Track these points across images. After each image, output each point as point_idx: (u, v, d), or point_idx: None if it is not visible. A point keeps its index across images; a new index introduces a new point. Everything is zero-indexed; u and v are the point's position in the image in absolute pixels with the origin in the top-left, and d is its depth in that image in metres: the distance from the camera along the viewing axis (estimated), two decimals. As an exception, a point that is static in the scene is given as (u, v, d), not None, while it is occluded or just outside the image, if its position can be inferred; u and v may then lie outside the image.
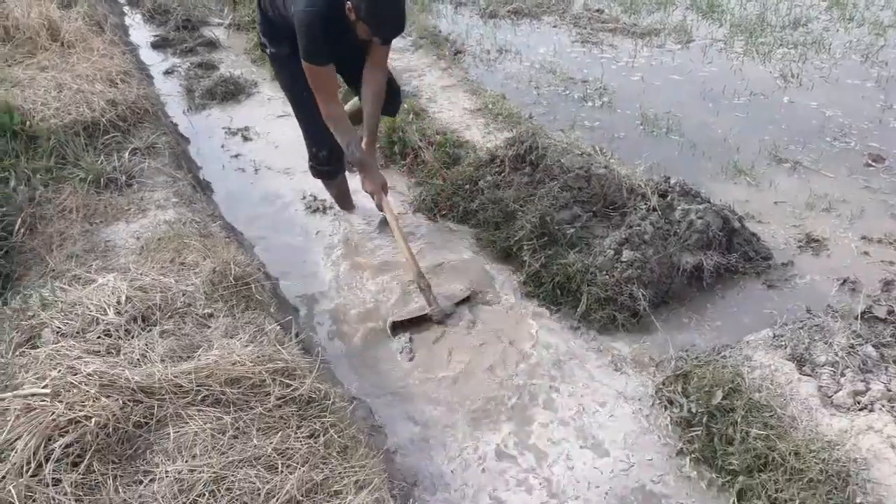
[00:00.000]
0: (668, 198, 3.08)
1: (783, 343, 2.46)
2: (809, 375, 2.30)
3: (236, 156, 4.21)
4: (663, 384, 2.47)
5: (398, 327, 2.85)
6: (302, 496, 1.74)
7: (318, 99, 2.86)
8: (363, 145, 3.06)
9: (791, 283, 3.01)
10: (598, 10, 6.29)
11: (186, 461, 1.78)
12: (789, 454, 2.01)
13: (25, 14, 4.44)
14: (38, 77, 3.92)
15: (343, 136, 2.95)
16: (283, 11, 2.79)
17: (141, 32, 6.25)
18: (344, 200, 3.63)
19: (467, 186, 3.52)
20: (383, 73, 3.04)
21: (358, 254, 3.32)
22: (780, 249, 3.19)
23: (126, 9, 6.86)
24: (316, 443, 1.91)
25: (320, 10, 2.62)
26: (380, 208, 3.20)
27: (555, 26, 6.05)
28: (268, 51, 3.08)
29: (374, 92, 3.02)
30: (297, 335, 2.35)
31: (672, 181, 3.21)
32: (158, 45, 5.93)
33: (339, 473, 1.84)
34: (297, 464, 1.82)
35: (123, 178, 3.21)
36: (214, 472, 1.75)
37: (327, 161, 3.29)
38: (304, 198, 3.76)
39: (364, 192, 3.25)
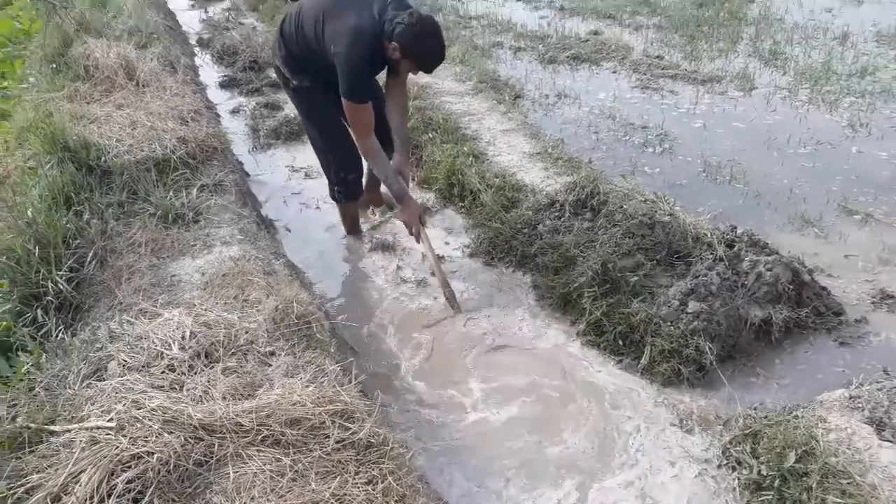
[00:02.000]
0: (735, 248, 3.00)
1: (860, 405, 2.34)
2: (890, 441, 2.17)
3: (298, 193, 4.30)
4: (731, 443, 2.36)
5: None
6: (359, 545, 1.71)
7: (356, 134, 3.03)
8: (398, 164, 3.22)
9: (865, 340, 2.88)
10: (657, 57, 6.27)
11: (245, 503, 1.77)
12: (871, 526, 1.89)
13: (105, 55, 4.65)
14: (115, 114, 4.07)
15: (382, 170, 3.11)
16: (315, 46, 2.96)
17: (210, 72, 6.49)
18: (354, 226, 3.81)
19: (526, 230, 3.50)
20: (404, 87, 3.28)
21: (413, 302, 3.32)
22: (853, 305, 3.06)
23: (197, 50, 7.13)
24: (374, 490, 1.87)
25: (365, 53, 2.82)
26: (417, 240, 3.26)
27: (614, 72, 6.05)
28: (291, 84, 3.23)
29: (402, 104, 3.27)
30: (356, 376, 2.34)
31: (739, 231, 3.13)
32: (226, 84, 6.14)
33: (397, 523, 1.81)
34: (355, 511, 1.79)
35: (191, 214, 3.28)
36: (273, 516, 1.73)
37: (355, 184, 3.48)
38: (364, 234, 3.80)
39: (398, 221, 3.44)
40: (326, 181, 3.59)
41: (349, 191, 3.51)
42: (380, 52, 2.85)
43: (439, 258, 3.33)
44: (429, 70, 2.98)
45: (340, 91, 2.88)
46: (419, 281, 3.41)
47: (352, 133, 3.04)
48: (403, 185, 3.19)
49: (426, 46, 2.85)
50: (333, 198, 3.59)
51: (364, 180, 3.64)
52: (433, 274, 3.29)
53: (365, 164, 3.45)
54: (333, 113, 3.15)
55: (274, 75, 6.11)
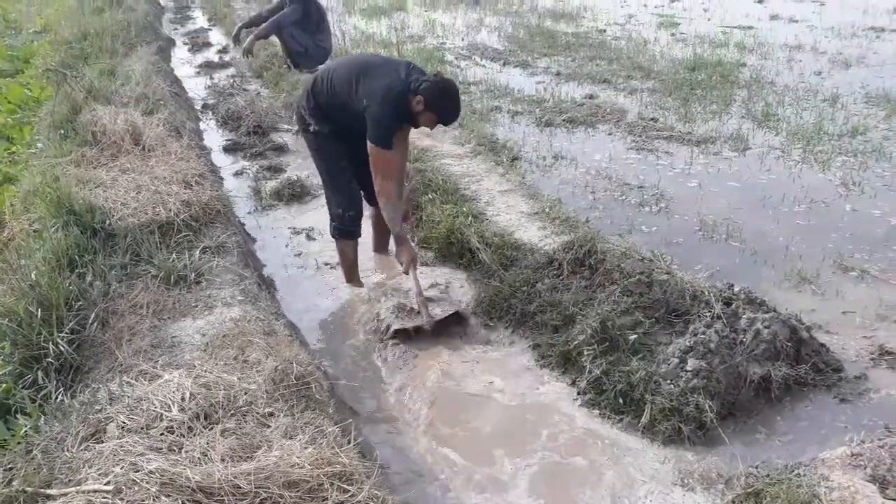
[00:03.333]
0: (733, 305, 3.02)
1: (862, 463, 2.33)
2: (894, 500, 2.15)
3: (299, 254, 4.34)
4: (733, 502, 2.34)
5: (399, 334, 3.41)
6: None
7: (380, 176, 3.44)
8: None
9: (865, 397, 2.87)
10: (652, 119, 6.41)
11: (242, 568, 1.75)
12: (879, 588, 1.86)
13: (112, 121, 4.77)
14: (120, 178, 4.15)
15: (393, 212, 3.51)
16: (346, 100, 3.44)
17: (214, 136, 6.62)
18: (352, 272, 3.98)
19: (524, 288, 3.53)
20: (407, 141, 3.69)
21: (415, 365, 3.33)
22: (852, 361, 3.06)
23: (201, 114, 7.30)
24: (373, 553, 1.85)
25: (392, 108, 3.31)
26: (406, 272, 3.62)
27: (609, 134, 6.17)
28: (311, 128, 3.66)
29: (403, 150, 3.61)
30: (355, 438, 2.33)
31: (736, 289, 3.16)
32: (230, 148, 6.26)
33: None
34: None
35: (193, 275, 3.32)
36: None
37: (352, 222, 3.80)
38: (361, 294, 3.87)
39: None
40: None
41: (345, 227, 3.82)
42: (405, 106, 3.32)
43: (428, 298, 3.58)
44: (447, 122, 3.48)
45: (368, 137, 3.37)
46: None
47: (374, 176, 3.45)
48: (405, 229, 3.62)
49: (447, 101, 3.35)
50: (332, 234, 3.90)
51: (375, 238, 4.04)
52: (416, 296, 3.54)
53: (366, 213, 3.94)
54: (342, 157, 3.69)
55: (276, 139, 6.30)
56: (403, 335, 3.44)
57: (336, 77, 3.53)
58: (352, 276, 3.99)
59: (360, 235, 3.91)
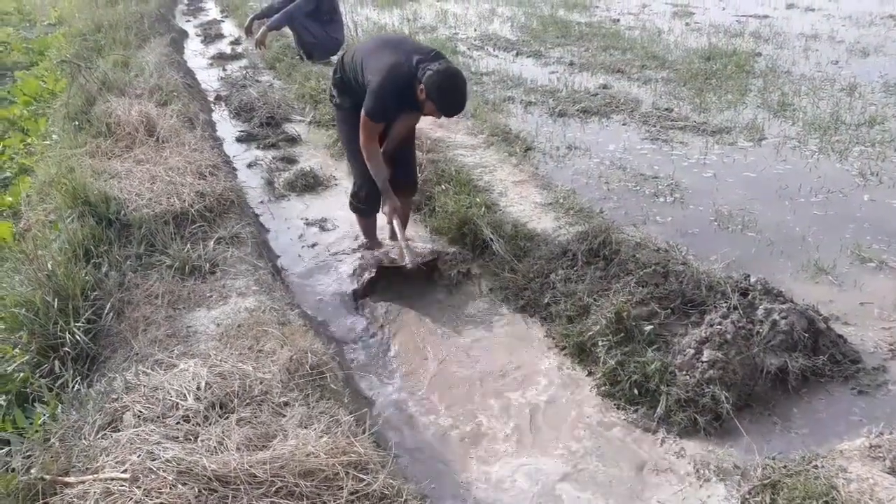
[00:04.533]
0: (749, 296, 3.00)
1: (881, 455, 2.30)
2: (914, 492, 2.13)
3: (313, 245, 4.35)
4: (750, 494, 2.32)
5: (381, 274, 3.69)
6: None
7: (362, 138, 3.51)
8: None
9: (884, 389, 2.84)
10: (667, 109, 6.35)
11: (258, 555, 1.76)
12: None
13: (127, 112, 4.79)
14: (135, 169, 4.17)
15: (376, 169, 3.59)
16: (360, 79, 3.50)
17: (227, 127, 6.63)
18: (369, 237, 4.19)
19: (538, 280, 3.51)
20: (414, 123, 3.82)
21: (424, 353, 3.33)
22: (870, 353, 3.03)
23: (214, 105, 7.31)
24: (388, 542, 1.85)
25: (393, 86, 3.34)
26: (389, 220, 3.81)
27: (624, 124, 6.12)
28: (335, 100, 3.82)
29: (400, 132, 3.73)
30: (370, 426, 2.34)
31: (752, 279, 3.13)
32: (243, 139, 6.26)
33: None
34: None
35: (207, 265, 3.33)
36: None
37: (367, 200, 3.91)
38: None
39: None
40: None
41: (360, 205, 3.97)
42: (411, 90, 3.35)
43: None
44: (447, 114, 3.45)
45: (363, 107, 3.41)
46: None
47: (361, 135, 3.52)
48: (387, 184, 3.68)
49: (446, 93, 3.31)
50: (349, 207, 4.07)
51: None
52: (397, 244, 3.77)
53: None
54: (357, 133, 3.68)
55: (289, 130, 6.31)
56: (385, 278, 3.68)
57: (357, 53, 3.62)
58: (370, 241, 4.18)
59: (375, 213, 4.01)
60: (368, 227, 4.16)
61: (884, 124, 5.70)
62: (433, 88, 3.27)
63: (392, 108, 3.45)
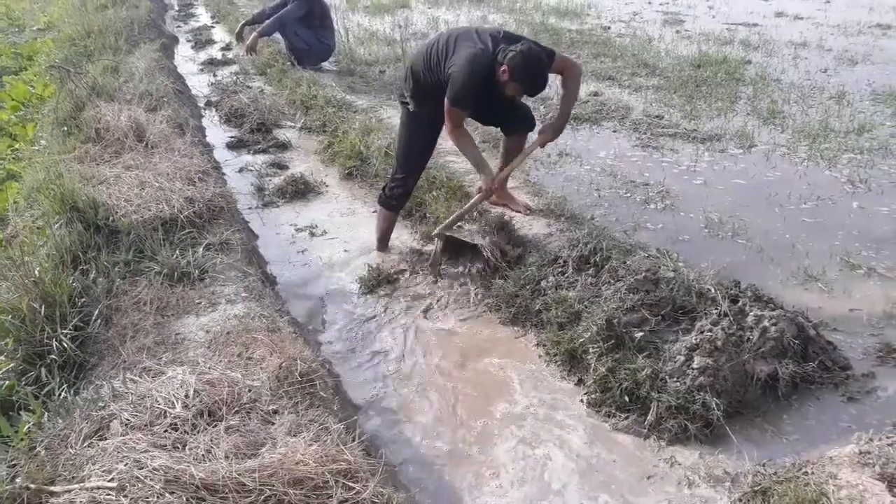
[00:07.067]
0: (740, 303, 3.00)
1: (871, 461, 2.30)
2: (904, 499, 2.13)
3: (303, 251, 4.33)
4: (740, 500, 2.32)
5: (447, 244, 3.89)
6: None
7: (448, 125, 3.66)
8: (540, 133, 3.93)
9: (873, 396, 2.85)
10: (657, 116, 6.38)
11: (246, 565, 1.74)
12: (889, 588, 1.84)
13: (116, 118, 4.76)
14: (124, 175, 4.14)
15: (467, 149, 3.76)
16: (439, 76, 3.61)
17: (217, 133, 6.60)
18: (383, 239, 4.27)
19: (529, 286, 3.51)
20: (574, 74, 3.85)
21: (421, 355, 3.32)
22: (859, 360, 3.04)
23: (204, 111, 7.28)
24: (378, 552, 1.84)
25: (476, 73, 3.45)
26: (482, 200, 3.94)
27: (615, 131, 6.14)
28: (409, 108, 3.89)
29: (573, 82, 3.84)
30: (359, 434, 2.32)
31: (743, 286, 3.13)
32: (233, 145, 6.23)
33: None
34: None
35: (196, 272, 3.31)
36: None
37: (397, 199, 4.09)
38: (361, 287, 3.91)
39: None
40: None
41: (390, 199, 4.10)
42: (491, 75, 3.47)
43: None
44: (531, 93, 3.64)
45: (447, 96, 3.53)
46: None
47: (447, 124, 3.65)
48: (482, 159, 3.83)
49: (530, 72, 3.43)
50: (378, 199, 4.20)
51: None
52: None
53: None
54: (428, 142, 3.97)
55: (279, 136, 6.28)
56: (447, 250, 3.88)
57: (432, 53, 3.69)
58: (382, 243, 4.27)
59: (399, 209, 4.22)
60: (388, 225, 4.24)
61: (872, 132, 5.74)
62: (517, 69, 3.39)
63: (475, 95, 3.54)
